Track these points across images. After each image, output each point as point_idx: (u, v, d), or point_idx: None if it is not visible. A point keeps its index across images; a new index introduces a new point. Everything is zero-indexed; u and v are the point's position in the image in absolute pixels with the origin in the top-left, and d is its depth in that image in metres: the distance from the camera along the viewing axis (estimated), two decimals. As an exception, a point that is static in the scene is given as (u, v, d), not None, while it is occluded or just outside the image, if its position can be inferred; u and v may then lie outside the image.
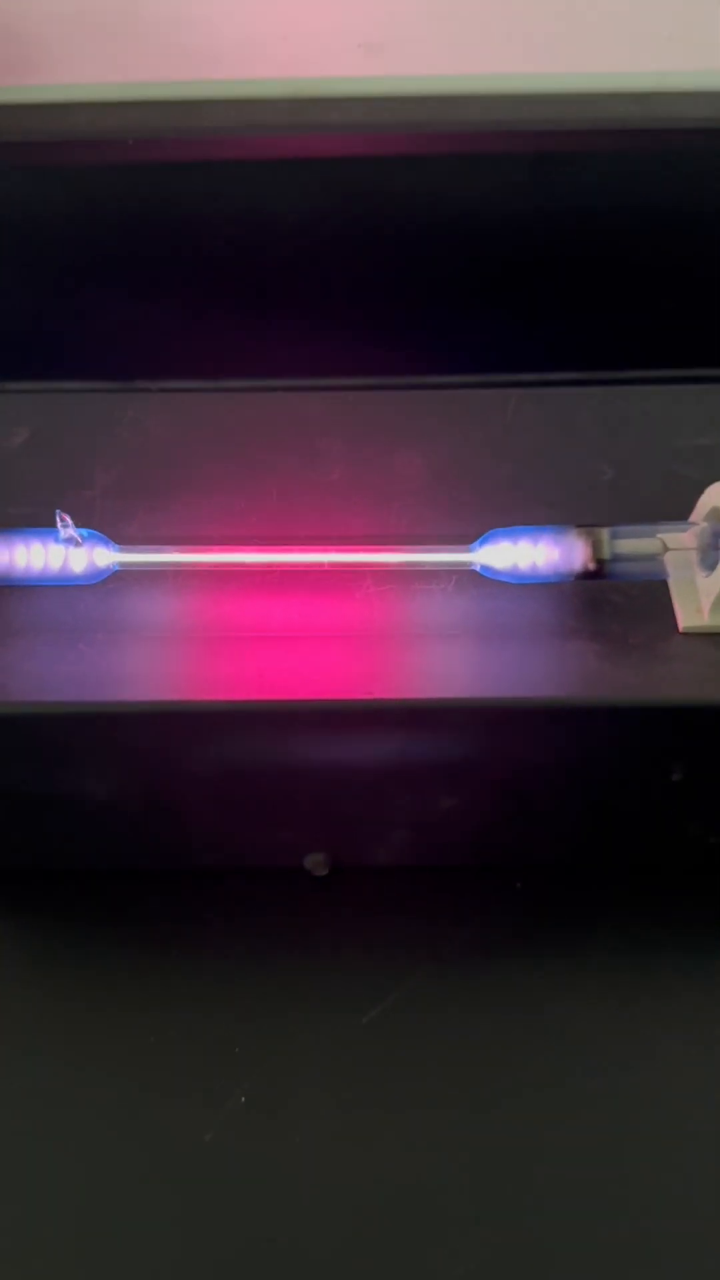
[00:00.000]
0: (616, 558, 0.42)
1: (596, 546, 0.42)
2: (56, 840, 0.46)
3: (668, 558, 0.42)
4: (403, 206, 0.54)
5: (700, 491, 0.42)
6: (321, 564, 0.43)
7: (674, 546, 0.41)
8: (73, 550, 0.43)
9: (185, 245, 0.54)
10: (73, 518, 0.43)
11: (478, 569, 0.43)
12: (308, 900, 0.46)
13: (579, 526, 0.43)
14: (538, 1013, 0.44)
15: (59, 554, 0.43)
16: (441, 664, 0.40)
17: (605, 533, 0.42)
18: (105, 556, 0.43)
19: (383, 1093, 0.42)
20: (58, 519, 0.42)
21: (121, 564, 0.43)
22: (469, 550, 0.43)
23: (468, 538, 0.44)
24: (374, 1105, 0.42)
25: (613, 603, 0.43)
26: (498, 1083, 0.43)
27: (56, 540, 0.43)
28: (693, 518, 0.43)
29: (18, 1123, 0.42)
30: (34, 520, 0.44)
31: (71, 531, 0.42)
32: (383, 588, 0.43)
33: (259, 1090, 0.42)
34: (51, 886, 0.46)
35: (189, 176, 0.53)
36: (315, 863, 0.46)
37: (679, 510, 0.43)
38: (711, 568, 0.41)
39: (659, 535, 0.42)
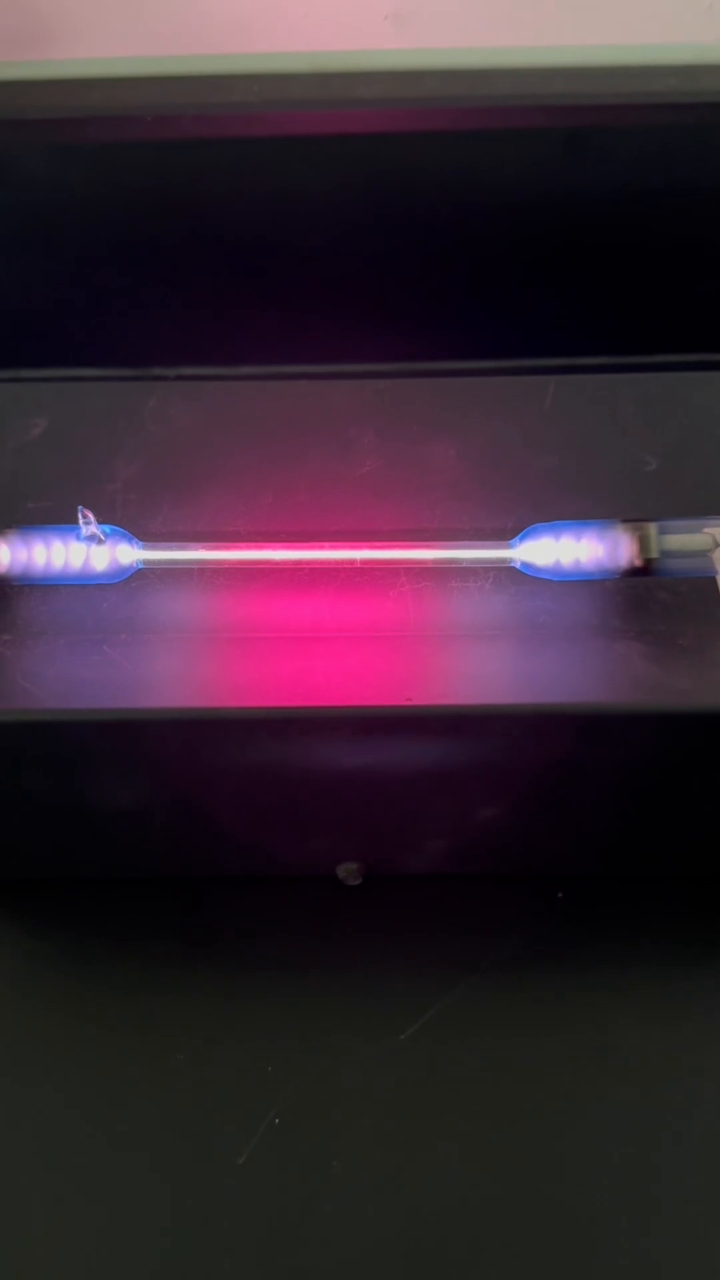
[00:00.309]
0: (665, 554, 0.40)
1: (644, 543, 0.40)
2: (80, 849, 0.44)
3: (717, 554, 0.40)
4: (433, 185, 0.52)
5: (751, 483, 0.41)
6: (353, 561, 0.41)
7: (725, 542, 0.39)
8: (95, 548, 0.41)
9: (208, 226, 0.52)
10: (93, 513, 0.41)
11: (517, 566, 0.41)
12: (341, 911, 0.44)
13: (624, 521, 0.41)
14: (584, 1028, 0.42)
15: (80, 552, 0.41)
16: (481, 666, 0.39)
17: (653, 528, 0.40)
18: (128, 554, 0.42)
19: (424, 1113, 0.41)
20: (79, 515, 0.40)
21: (145, 562, 0.42)
22: (509, 546, 0.41)
23: (506, 533, 0.42)
24: (415, 1126, 0.41)
25: (659, 601, 0.41)
26: (545, 1101, 0.41)
27: (78, 538, 0.41)
28: (744, 511, 0.41)
29: (41, 1144, 0.41)
30: (53, 516, 0.43)
31: (94, 528, 0.41)
32: (418, 586, 0.42)
33: (294, 1111, 0.41)
34: (75, 897, 0.45)
35: (211, 154, 0.52)
36: (348, 872, 0.44)
37: (728, 503, 0.41)
38: (764, 564, 0.40)
39: (706, 530, 0.40)
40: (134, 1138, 0.41)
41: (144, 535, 0.42)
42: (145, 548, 0.42)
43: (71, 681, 0.38)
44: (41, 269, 0.54)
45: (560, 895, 0.44)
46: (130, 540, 0.42)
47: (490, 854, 0.44)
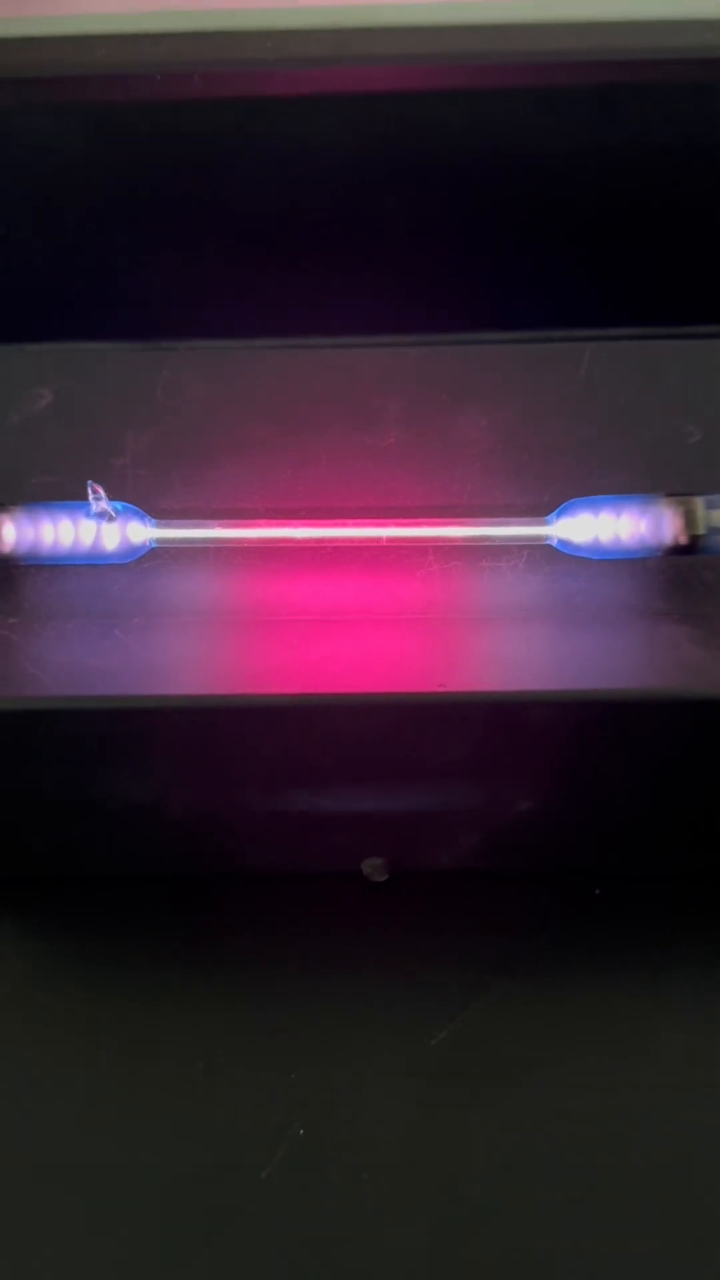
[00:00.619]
0: (712, 530, 0.38)
1: (689, 518, 0.38)
2: (89, 844, 0.42)
3: (769, 530, 0.38)
4: (458, 145, 0.49)
5: None
6: (379, 539, 0.39)
7: (775, 518, 0.37)
8: (105, 526, 0.39)
9: (221, 189, 0.50)
10: (103, 489, 0.39)
11: (554, 543, 0.39)
12: (366, 909, 0.42)
13: (668, 495, 0.39)
14: (624, 1035, 0.40)
15: (90, 530, 0.39)
16: (516, 650, 0.36)
17: (699, 502, 0.38)
18: (140, 532, 0.39)
19: (455, 1122, 0.39)
20: (89, 491, 0.38)
21: (158, 540, 0.39)
22: (545, 523, 0.39)
23: (542, 508, 0.40)
24: (446, 1136, 0.39)
25: (705, 581, 0.38)
26: (581, 1112, 0.39)
27: (88, 515, 0.39)
28: None
29: (49, 1159, 0.39)
30: (60, 492, 0.41)
31: (105, 505, 0.39)
32: (447, 565, 0.39)
33: (318, 1121, 0.39)
34: (82, 895, 0.43)
35: (222, 114, 0.49)
36: (373, 868, 0.42)
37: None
38: None
39: (755, 505, 0.38)
40: (149, 1152, 0.39)
41: (156, 513, 0.40)
42: (158, 526, 0.40)
43: (81, 667, 0.36)
44: (45, 237, 0.51)
45: (598, 893, 0.42)
46: (142, 518, 0.40)
47: (524, 849, 0.42)
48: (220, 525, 0.40)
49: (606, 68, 0.49)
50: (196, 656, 0.37)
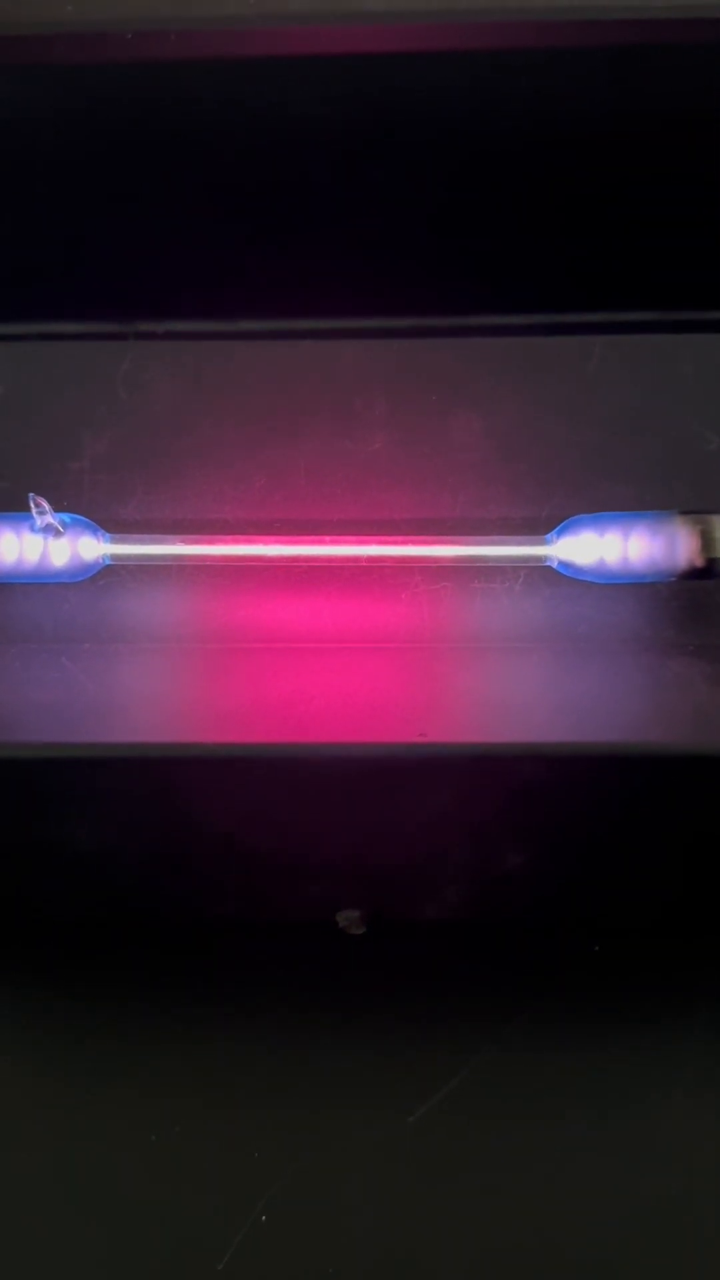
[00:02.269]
0: (731, 553, 0.34)
1: (707, 539, 0.34)
2: (38, 893, 0.38)
3: None
4: (455, 112, 0.45)
5: None
6: (359, 558, 0.36)
7: None
8: (52, 541, 0.35)
9: (194, 158, 0.45)
10: (54, 497, 0.36)
11: (554, 565, 0.35)
12: (340, 965, 0.38)
13: (683, 513, 0.35)
14: (623, 1109, 0.36)
15: (35, 545, 0.36)
16: (508, 688, 0.33)
17: (717, 521, 0.34)
18: (93, 548, 0.36)
19: (435, 1212, 0.35)
20: (31, 504, 0.34)
21: (113, 557, 0.36)
22: (544, 542, 0.35)
23: (541, 524, 0.37)
24: (424, 1228, 0.35)
25: (722, 608, 0.35)
26: (576, 1198, 0.35)
27: (32, 529, 0.35)
28: None
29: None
30: (8, 500, 0.37)
31: (50, 518, 0.35)
32: (435, 587, 0.36)
33: (282, 1206, 0.35)
34: (31, 945, 0.39)
35: (199, 76, 0.45)
36: (349, 920, 0.38)
37: None
38: None
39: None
40: (95, 1235, 0.35)
41: (112, 525, 0.36)
42: (113, 540, 0.36)
43: (23, 704, 0.33)
44: (3, 208, 0.47)
45: (596, 949, 0.39)
46: (95, 531, 0.36)
47: (515, 900, 0.38)
48: (183, 540, 0.36)
49: (618, 28, 0.45)
50: (154, 691, 0.34)
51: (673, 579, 0.35)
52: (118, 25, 0.46)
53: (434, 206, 0.48)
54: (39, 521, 0.35)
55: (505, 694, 0.33)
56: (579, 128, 0.47)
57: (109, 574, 0.36)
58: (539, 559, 0.36)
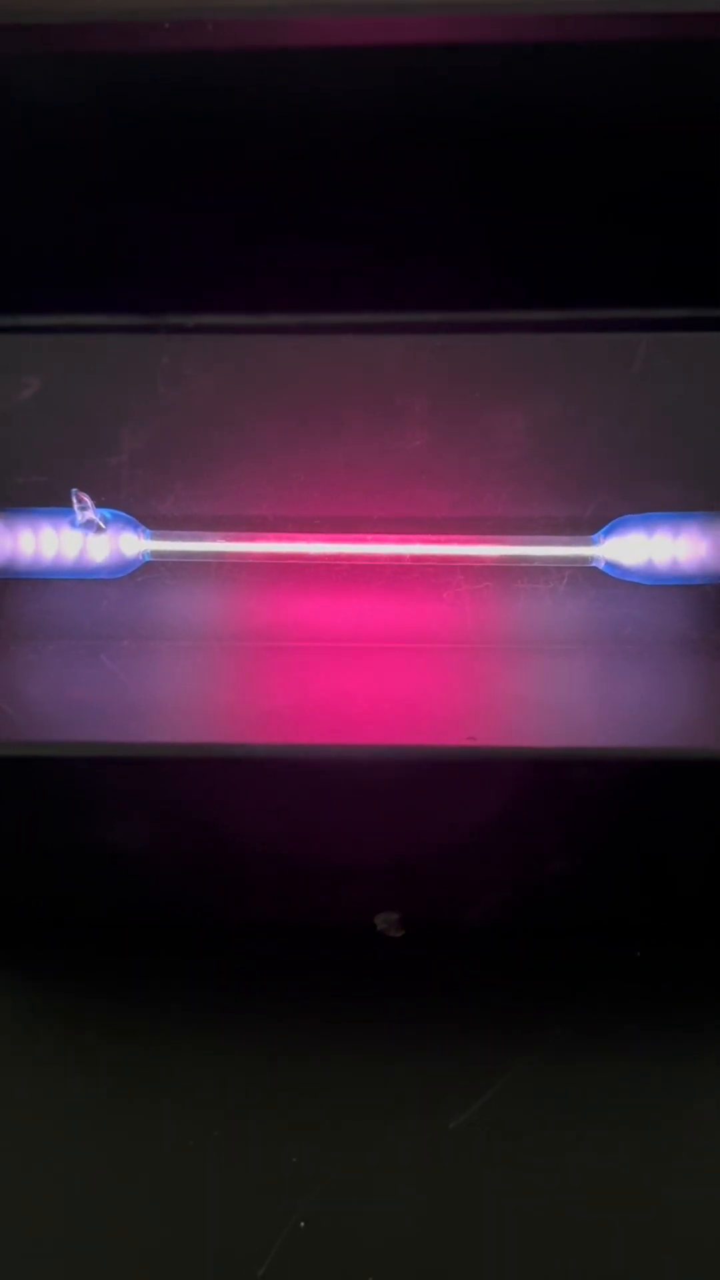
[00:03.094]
0: (785, 555, 0.33)
1: (758, 540, 0.33)
2: (73, 893, 0.38)
3: None
4: (498, 104, 0.44)
5: None
6: (401, 556, 0.36)
7: None
8: (93, 537, 0.35)
9: (233, 150, 0.45)
10: (93, 492, 0.35)
11: (600, 566, 0.35)
12: (378, 969, 0.38)
13: (735, 513, 0.34)
14: (669, 1118, 0.36)
15: (76, 541, 0.35)
16: (556, 692, 0.32)
17: (769, 522, 0.34)
18: (133, 544, 0.36)
19: (475, 1219, 0.35)
20: (74, 500, 0.34)
21: (153, 553, 0.36)
22: (591, 542, 0.35)
23: (586, 524, 0.36)
24: (464, 1234, 0.34)
25: (774, 611, 0.34)
26: (620, 1208, 0.35)
27: (73, 524, 0.35)
28: None
29: (26, 1245, 0.35)
30: (46, 495, 0.37)
31: (91, 514, 0.35)
32: (478, 587, 0.35)
33: (321, 1214, 0.35)
34: (71, 945, 0.38)
35: (238, 67, 0.44)
36: (388, 923, 0.38)
37: None
38: None
39: None
40: (133, 1242, 0.35)
41: (152, 521, 0.36)
42: (153, 537, 0.36)
43: (62, 703, 0.33)
44: (37, 199, 0.47)
45: (638, 954, 0.38)
46: (135, 527, 0.36)
47: (557, 904, 0.38)
48: (223, 537, 0.36)
49: (662, 20, 0.44)
50: (193, 691, 0.34)
51: (722, 581, 0.35)
52: (155, 15, 0.46)
53: (476, 199, 0.47)
54: (80, 517, 0.35)
55: (552, 697, 0.33)
56: (624, 119, 0.46)
57: (148, 570, 0.36)
58: (584, 559, 0.35)
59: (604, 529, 0.35)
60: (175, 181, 0.49)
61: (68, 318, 0.48)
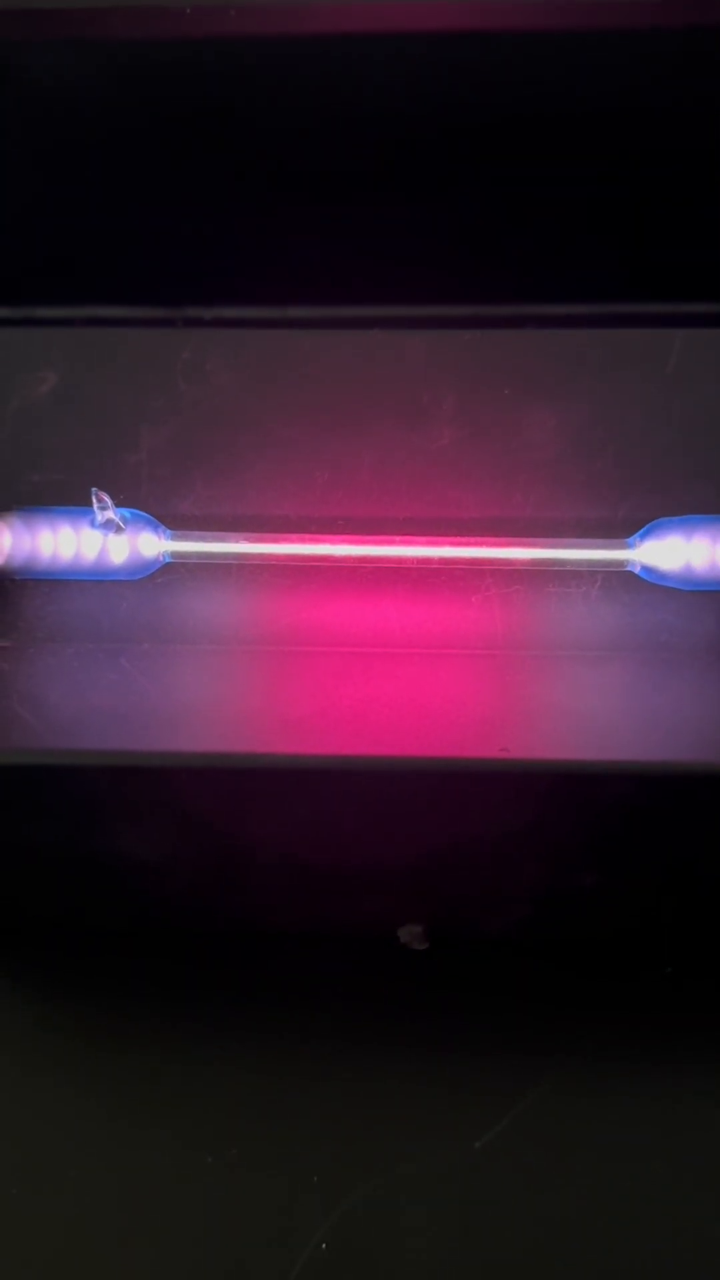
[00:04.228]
0: None
1: None
2: (92, 899, 0.38)
3: None
4: (524, 93, 0.44)
5: None
6: (429, 559, 0.35)
7: None
8: (112, 537, 0.34)
9: (255, 138, 0.44)
10: (110, 491, 0.35)
11: (636, 570, 0.34)
12: (401, 982, 0.37)
13: (776, 516, 0.33)
14: (703, 1136, 0.35)
15: (94, 541, 0.35)
16: (591, 701, 0.31)
17: None
18: (153, 545, 0.35)
19: (500, 1243, 0.34)
20: (94, 499, 0.33)
21: (174, 554, 0.35)
22: (626, 545, 0.34)
23: (618, 526, 0.35)
24: (489, 1259, 0.34)
25: None
26: (656, 1232, 0.34)
27: (92, 524, 0.34)
28: None
29: (35, 1263, 0.34)
30: (63, 493, 0.36)
31: (111, 513, 0.34)
32: (507, 591, 0.34)
33: (343, 1235, 0.34)
34: (85, 953, 0.38)
35: (261, 54, 0.44)
36: (412, 935, 0.37)
37: None
38: None
39: None
40: (146, 1263, 0.34)
41: (173, 520, 0.36)
42: (173, 537, 0.35)
43: (80, 709, 0.32)
44: (55, 189, 0.46)
45: (669, 970, 0.37)
46: (155, 527, 0.35)
47: (587, 920, 0.37)
48: (245, 538, 0.35)
49: (694, 6, 0.43)
50: (214, 696, 0.33)
51: (762, 586, 0.34)
52: (175, 1, 0.45)
53: (505, 190, 0.47)
54: (99, 517, 0.34)
55: (586, 706, 0.32)
56: (657, 110, 0.45)
57: (168, 572, 0.35)
58: (620, 563, 0.34)
59: (640, 532, 0.34)
60: (196, 171, 0.49)
61: (84, 310, 0.47)
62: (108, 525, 0.34)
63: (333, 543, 0.35)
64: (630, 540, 0.34)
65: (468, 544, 0.35)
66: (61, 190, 0.48)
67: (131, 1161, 0.35)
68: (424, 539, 0.35)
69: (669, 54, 0.43)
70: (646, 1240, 0.34)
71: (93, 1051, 0.37)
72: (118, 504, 0.36)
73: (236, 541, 0.35)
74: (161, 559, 0.35)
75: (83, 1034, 0.37)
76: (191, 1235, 0.34)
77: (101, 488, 0.36)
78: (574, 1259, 0.34)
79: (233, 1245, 0.34)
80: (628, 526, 0.35)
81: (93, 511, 0.35)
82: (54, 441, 0.37)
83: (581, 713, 0.32)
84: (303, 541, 0.35)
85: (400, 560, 0.35)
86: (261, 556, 0.35)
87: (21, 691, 0.32)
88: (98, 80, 0.46)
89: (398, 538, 0.35)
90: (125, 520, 0.35)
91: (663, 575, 0.34)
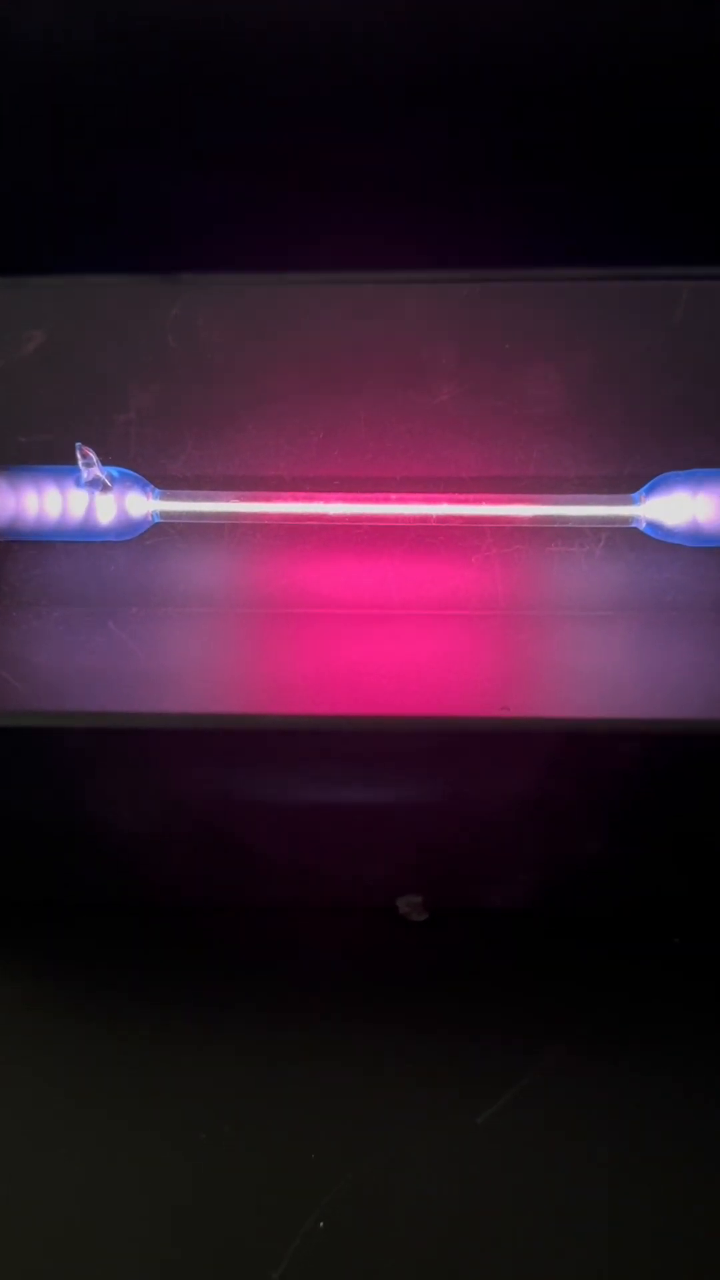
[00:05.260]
0: None
1: None
2: (81, 873, 0.37)
3: None
4: (526, 37, 0.42)
5: None
6: (427, 517, 0.34)
7: None
8: (99, 496, 0.34)
9: (250, 88, 0.43)
10: (99, 451, 0.34)
11: (641, 526, 0.33)
12: (401, 954, 0.36)
13: (785, 470, 0.32)
14: (708, 1110, 0.34)
15: (81, 500, 0.34)
16: (594, 660, 0.31)
17: None
18: (141, 504, 0.34)
19: (503, 1220, 0.33)
20: (78, 454, 0.32)
21: (163, 514, 0.35)
22: (631, 501, 0.33)
23: (622, 482, 0.34)
24: (491, 1237, 0.33)
25: None
26: (659, 1208, 0.33)
27: (78, 483, 0.33)
28: None
29: (30, 1242, 0.34)
30: (50, 454, 0.36)
31: (97, 471, 0.33)
32: (508, 550, 0.34)
33: (341, 1212, 0.33)
34: (77, 927, 0.37)
35: (247, 4, 0.43)
36: (411, 906, 0.37)
37: None
38: None
39: None
40: (142, 1243, 0.33)
41: (162, 480, 0.35)
42: (163, 497, 0.35)
43: (67, 671, 0.31)
44: (42, 148, 0.45)
45: (676, 940, 0.37)
46: (144, 487, 0.35)
47: (591, 888, 0.37)
48: (237, 497, 0.34)
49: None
50: (206, 660, 0.32)
51: (771, 543, 0.33)
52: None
53: (504, 142, 0.46)
54: (85, 475, 0.33)
55: (589, 666, 0.31)
56: (658, 63, 0.44)
57: (158, 533, 0.35)
58: (625, 520, 0.33)
59: (645, 487, 0.33)
60: (186, 129, 0.48)
61: (74, 278, 0.46)
62: (94, 483, 0.34)
63: (327, 501, 0.34)
64: (635, 496, 0.33)
65: (467, 501, 0.34)
66: (48, 147, 0.48)
67: (123, 1140, 0.34)
68: (422, 497, 0.34)
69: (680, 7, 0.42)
70: (652, 1219, 0.34)
71: (82, 1028, 0.36)
72: (107, 464, 0.35)
73: (228, 501, 0.34)
74: (150, 519, 0.35)
75: (71, 1010, 0.36)
76: (184, 1214, 0.34)
77: (90, 447, 0.35)
78: (577, 1238, 0.33)
79: (227, 1224, 0.33)
80: (634, 483, 0.35)
81: (78, 470, 0.34)
82: (41, 401, 0.36)
83: (585, 672, 0.31)
84: (296, 500, 0.34)
85: (397, 519, 0.34)
86: (254, 516, 0.34)
87: (6, 655, 0.32)
88: (89, 34, 0.45)
89: (395, 496, 0.34)
90: (113, 479, 0.34)
91: (668, 532, 0.33)
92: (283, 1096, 0.35)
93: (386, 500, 0.34)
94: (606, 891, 0.37)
